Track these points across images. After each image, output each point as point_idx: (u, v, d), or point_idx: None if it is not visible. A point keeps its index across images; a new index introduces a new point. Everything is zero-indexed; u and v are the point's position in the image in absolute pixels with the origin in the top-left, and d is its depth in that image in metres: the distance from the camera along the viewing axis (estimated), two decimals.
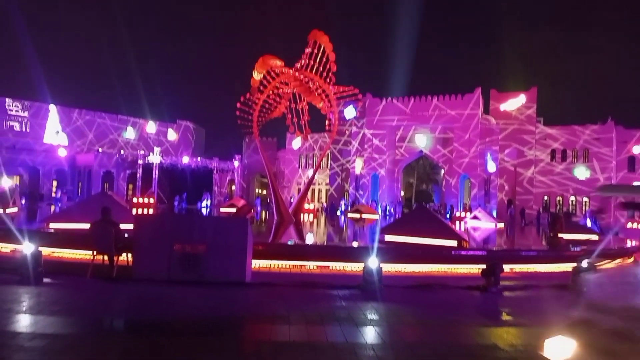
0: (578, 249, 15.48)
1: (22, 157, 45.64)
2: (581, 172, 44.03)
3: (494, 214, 39.26)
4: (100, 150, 47.70)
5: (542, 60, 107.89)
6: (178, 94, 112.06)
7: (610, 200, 44.02)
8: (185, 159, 47.60)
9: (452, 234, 15.25)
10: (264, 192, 60.27)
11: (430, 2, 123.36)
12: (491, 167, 43.70)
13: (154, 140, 55.48)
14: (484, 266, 10.21)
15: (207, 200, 39.73)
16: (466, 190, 47.86)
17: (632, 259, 16.11)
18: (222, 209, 35.32)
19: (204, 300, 8.10)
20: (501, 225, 30.81)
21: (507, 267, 11.29)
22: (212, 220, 13.68)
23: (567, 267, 11.88)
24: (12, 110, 46.80)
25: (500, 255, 13.96)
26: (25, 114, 47.76)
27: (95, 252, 9.69)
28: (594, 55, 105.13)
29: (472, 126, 44.27)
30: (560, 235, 16.39)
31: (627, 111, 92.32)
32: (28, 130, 47.85)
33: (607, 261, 14.63)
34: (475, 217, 31.46)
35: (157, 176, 41.98)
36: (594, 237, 20.80)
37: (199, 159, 50.09)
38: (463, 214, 34.95)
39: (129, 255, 9.74)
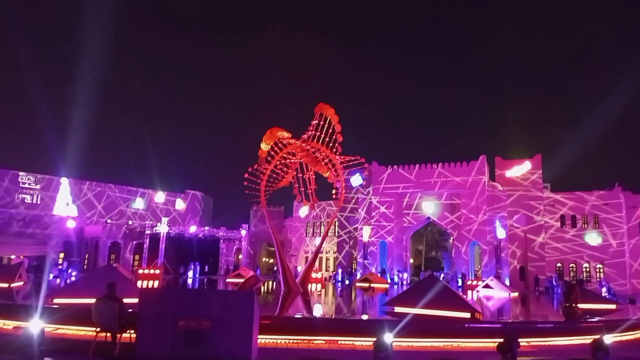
0: (595, 319, 14.94)
1: (31, 229, 45.92)
2: (593, 238, 43.37)
3: (507, 282, 38.30)
4: (108, 221, 47.97)
5: (546, 128, 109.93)
6: (187, 164, 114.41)
7: (624, 267, 42.96)
8: (193, 229, 47.61)
9: (464, 305, 14.82)
10: (271, 260, 59.58)
11: (432, 72, 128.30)
12: (500, 233, 43.20)
13: (162, 210, 55.89)
14: (499, 340, 9.81)
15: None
16: (476, 257, 47.05)
17: None
18: (229, 280, 34.81)
19: None
20: (515, 294, 29.94)
21: (524, 341, 10.87)
22: (218, 294, 13.44)
23: (586, 339, 11.39)
24: (24, 184, 47.72)
25: (516, 327, 13.45)
26: (38, 186, 48.67)
27: (98, 330, 9.47)
28: (595, 122, 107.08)
29: (478, 193, 44.37)
30: (576, 305, 15.87)
31: (634, 177, 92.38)
32: (39, 202, 48.51)
33: (628, 333, 14.04)
34: (487, 286, 30.65)
35: (164, 246, 41.82)
36: (612, 306, 20.14)
37: (206, 228, 50.07)
38: (475, 282, 34.11)
39: (133, 332, 9.50)
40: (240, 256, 53.17)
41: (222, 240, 52.43)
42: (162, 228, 42.25)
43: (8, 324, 11.73)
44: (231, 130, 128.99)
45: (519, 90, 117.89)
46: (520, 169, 44.68)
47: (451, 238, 49.17)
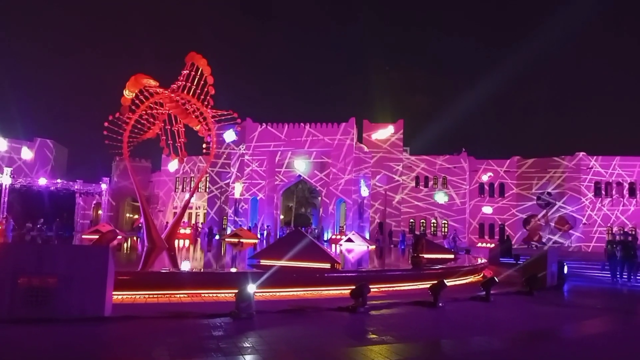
0: (436, 267, 16.95)
1: None
2: (440, 197, 48.72)
3: (367, 236, 41.49)
4: None
5: (409, 95, 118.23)
6: (36, 110, 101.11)
7: (465, 223, 49.23)
8: (42, 181, 42.81)
9: (325, 257, 15.71)
10: (136, 216, 56.49)
11: (309, 32, 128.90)
12: (364, 191, 46.28)
13: (3, 158, 49.06)
14: (353, 287, 10.65)
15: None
16: (342, 213, 49.97)
17: (481, 276, 18.06)
18: (85, 236, 32.34)
19: (53, 340, 7.21)
20: (372, 247, 32.57)
21: (375, 287, 11.95)
22: (66, 249, 12.38)
23: (427, 284, 12.90)
24: None
25: (368, 275, 14.71)
26: None
27: None
28: (453, 94, 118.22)
29: (345, 153, 46.68)
30: (422, 254, 17.84)
31: (478, 144, 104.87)
32: None
33: (461, 278, 16.22)
34: (349, 240, 32.86)
35: (6, 199, 37.05)
36: (451, 256, 22.96)
37: (59, 181, 45.35)
38: (338, 237, 36.34)
39: None
40: (100, 211, 49.44)
41: (78, 195, 48.11)
42: (4, 179, 37.28)
43: None
44: (90, 74, 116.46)
45: (388, 58, 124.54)
46: (384, 133, 47.90)
47: (319, 196, 51.38)
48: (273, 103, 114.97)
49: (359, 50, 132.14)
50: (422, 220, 49.59)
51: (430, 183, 50.00)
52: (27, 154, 51.24)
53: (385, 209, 47.47)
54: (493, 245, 31.16)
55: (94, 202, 51.30)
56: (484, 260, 21.14)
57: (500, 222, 49.61)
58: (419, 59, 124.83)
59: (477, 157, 50.86)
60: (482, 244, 45.46)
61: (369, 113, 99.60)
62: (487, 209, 49.54)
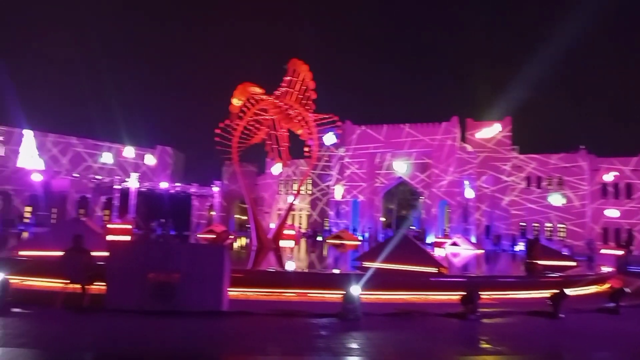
0: (555, 275, 15.66)
1: None
2: (556, 199, 44.91)
3: (473, 239, 39.62)
4: (76, 175, 46.81)
5: (517, 91, 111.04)
6: (158, 119, 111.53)
7: (585, 228, 44.89)
8: (164, 184, 47.02)
9: (431, 261, 15.28)
10: (245, 217, 59.71)
11: (409, 34, 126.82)
12: (469, 193, 44.28)
13: (131, 165, 54.81)
14: (462, 293, 10.22)
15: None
16: (446, 216, 48.30)
17: (606, 286, 16.30)
18: (201, 235, 34.83)
19: (177, 332, 7.86)
20: (480, 251, 31.03)
21: (485, 294, 11.34)
22: (188, 247, 13.43)
23: (544, 293, 11.96)
24: None
25: (478, 281, 14.01)
26: (1, 138, 46.81)
27: (66, 282, 9.38)
28: (567, 88, 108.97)
29: (449, 153, 45.05)
30: (536, 260, 16.60)
31: (599, 141, 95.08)
32: (2, 154, 46.79)
33: (583, 288, 14.81)
34: (454, 244, 31.66)
35: (135, 201, 41.30)
36: (572, 263, 21.08)
37: (177, 184, 49.52)
38: (442, 240, 35.16)
39: (103, 283, 9.45)
40: (212, 212, 53.05)
41: (194, 197, 52.09)
42: (133, 183, 41.58)
43: None
44: (202, 85, 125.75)
45: (493, 53, 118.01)
46: (489, 131, 45.38)
47: (421, 197, 50.19)
48: (373, 104, 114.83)
49: (462, 46, 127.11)
50: (534, 224, 46.18)
51: (544, 184, 46.36)
52: (150, 160, 56.72)
53: (493, 211, 44.95)
54: (622, 252, 27.88)
55: (208, 203, 55.17)
56: (610, 269, 19.10)
57: (627, 227, 44.48)
58: (525, 53, 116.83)
59: (598, 155, 46.15)
60: (606, 250, 41.00)
61: (472, 111, 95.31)
62: (612, 212, 44.67)
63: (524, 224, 46.15)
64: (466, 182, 44.42)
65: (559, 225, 45.41)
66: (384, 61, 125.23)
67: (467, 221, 44.49)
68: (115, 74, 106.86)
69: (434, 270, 14.51)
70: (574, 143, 50.42)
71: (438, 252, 27.16)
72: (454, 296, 11.16)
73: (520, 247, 36.29)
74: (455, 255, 27.11)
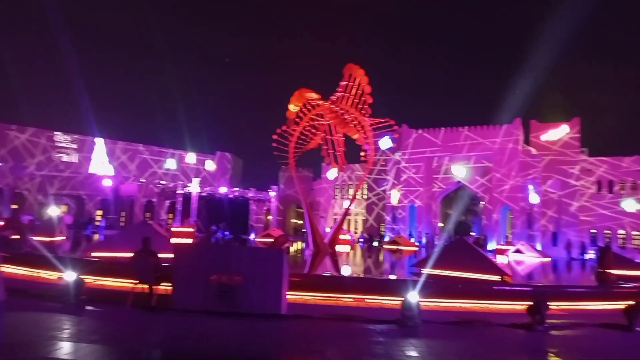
0: (630, 285, 14.62)
1: (69, 187, 47.76)
2: (630, 205, 41.96)
3: (538, 247, 37.79)
4: (143, 180, 49.32)
5: (585, 91, 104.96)
6: (217, 125, 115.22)
7: None
8: (223, 189, 48.49)
9: (493, 268, 14.74)
10: (300, 222, 60.37)
11: (467, 34, 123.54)
12: (534, 198, 42.30)
13: (192, 170, 57.01)
14: (528, 303, 9.76)
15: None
16: (508, 222, 46.43)
17: None
18: (258, 239, 35.56)
19: (239, 333, 8.04)
20: (546, 259, 29.57)
21: (554, 304, 10.77)
22: (248, 250, 13.74)
23: (618, 305, 11.20)
24: (61, 143, 49.25)
25: (545, 291, 13.32)
26: (74, 146, 50.18)
27: (136, 282, 9.88)
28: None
29: (511, 156, 43.31)
30: (609, 270, 15.56)
31: None
32: (76, 161, 50.14)
33: None
34: (518, 251, 30.37)
35: (196, 205, 42.87)
36: None
37: (236, 189, 50.92)
38: (505, 247, 33.81)
39: (169, 285, 9.86)
40: (269, 217, 54.03)
41: (252, 201, 53.30)
42: (194, 188, 43.19)
43: (52, 274, 12.35)
44: (261, 90, 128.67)
45: (558, 52, 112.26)
46: (556, 133, 43.13)
47: (482, 202, 48.56)
48: (429, 108, 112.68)
49: (524, 44, 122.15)
50: (605, 231, 43.33)
51: (616, 188, 43.44)
52: (210, 165, 58.73)
53: (560, 217, 42.62)
54: None
55: (265, 208, 56.27)
56: None
57: None
58: (595, 51, 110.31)
59: None
60: None
61: (536, 113, 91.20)
62: None
63: (595, 230, 43.43)
64: (530, 187, 42.48)
65: (633, 233, 42.38)
66: (443, 63, 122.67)
67: (531, 227, 42.51)
68: (177, 82, 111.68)
69: (496, 278, 13.98)
70: None
71: (500, 260, 26.15)
72: (519, 306, 10.69)
73: (591, 255, 34.24)
74: (519, 263, 25.99)
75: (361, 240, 44.87)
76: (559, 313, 11.14)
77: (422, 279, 13.37)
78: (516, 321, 9.60)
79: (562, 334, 9.22)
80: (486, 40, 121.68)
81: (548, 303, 9.61)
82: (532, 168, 43.32)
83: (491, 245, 40.34)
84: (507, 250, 32.14)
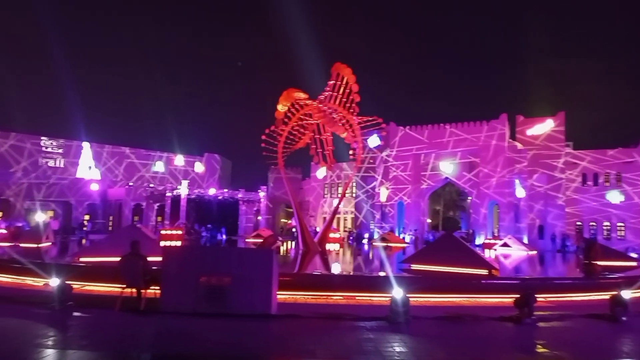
0: (614, 276, 14.88)
1: (56, 192, 47.20)
2: (615, 197, 42.60)
3: (525, 240, 38.21)
4: (131, 184, 48.92)
5: (569, 85, 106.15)
6: (204, 127, 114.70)
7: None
8: (212, 191, 48.29)
9: (481, 263, 14.88)
10: (290, 221, 60.30)
11: (453, 29, 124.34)
12: (520, 192, 42.74)
13: (181, 172, 56.70)
14: (516, 296, 9.88)
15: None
16: (495, 216, 46.84)
17: None
18: (248, 240, 35.48)
19: (229, 334, 8.04)
20: (533, 252, 29.90)
21: (541, 297, 10.91)
22: (237, 251, 13.72)
23: (604, 295, 11.39)
24: (47, 148, 48.69)
25: (533, 283, 13.49)
26: (60, 151, 49.61)
27: (124, 286, 9.81)
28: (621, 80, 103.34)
29: (496, 151, 43.69)
30: (595, 261, 15.81)
31: None
32: (62, 166, 49.57)
33: None
34: (505, 245, 30.68)
35: (185, 208, 42.64)
36: (632, 263, 20.00)
37: (225, 190, 50.73)
38: (492, 241, 34.14)
39: (158, 288, 9.81)
40: (259, 217, 53.92)
41: (241, 202, 53.15)
42: (183, 190, 42.96)
43: (38, 281, 12.22)
44: (246, 92, 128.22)
45: (544, 47, 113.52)
46: (541, 127, 43.62)
47: (469, 198, 48.94)
48: (418, 105, 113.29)
49: (510, 41, 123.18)
50: (591, 223, 43.94)
51: (600, 180, 44.08)
52: (199, 167, 58.47)
53: (546, 210, 43.11)
54: None
55: (255, 208, 56.17)
56: None
57: None
58: (582, 47, 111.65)
59: None
60: None
61: (522, 108, 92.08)
62: None
63: (580, 223, 44.06)
64: (517, 181, 42.91)
65: (617, 224, 43.06)
66: (429, 60, 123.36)
67: (519, 221, 42.95)
68: (165, 85, 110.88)
69: (484, 272, 14.11)
70: (632, 138, 47.45)
71: (488, 254, 26.40)
72: (507, 299, 10.82)
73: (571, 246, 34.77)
74: (506, 256, 26.26)
75: (351, 238, 44.95)
76: (547, 305, 11.29)
77: (410, 275, 13.48)
78: (504, 314, 9.71)
79: (550, 325, 9.35)
80: (474, 38, 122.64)
81: (536, 295, 9.74)
82: (518, 163, 43.76)
83: (479, 240, 40.70)
84: (494, 244, 32.46)
